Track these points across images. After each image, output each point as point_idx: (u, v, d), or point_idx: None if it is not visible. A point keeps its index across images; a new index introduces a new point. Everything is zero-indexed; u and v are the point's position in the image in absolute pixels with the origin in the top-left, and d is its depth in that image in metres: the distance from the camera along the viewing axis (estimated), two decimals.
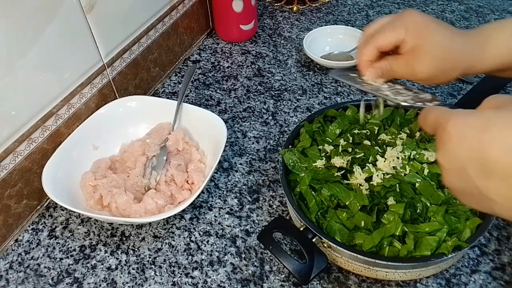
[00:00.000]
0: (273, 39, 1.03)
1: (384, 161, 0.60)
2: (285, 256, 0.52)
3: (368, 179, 0.59)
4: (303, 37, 0.95)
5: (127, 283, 0.59)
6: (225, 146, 0.70)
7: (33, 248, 0.64)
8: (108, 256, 0.62)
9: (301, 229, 0.55)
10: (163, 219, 0.62)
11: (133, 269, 0.61)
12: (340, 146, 0.63)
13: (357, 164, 0.60)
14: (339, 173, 0.59)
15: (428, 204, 0.56)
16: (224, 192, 0.70)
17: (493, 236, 0.61)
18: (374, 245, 0.52)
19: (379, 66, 0.52)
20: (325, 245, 0.55)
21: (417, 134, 0.63)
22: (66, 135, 0.69)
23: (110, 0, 0.72)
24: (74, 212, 0.66)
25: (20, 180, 0.64)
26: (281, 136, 0.79)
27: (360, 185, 0.58)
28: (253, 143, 0.78)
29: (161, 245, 0.63)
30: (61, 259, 0.62)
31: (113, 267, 0.61)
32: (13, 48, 0.58)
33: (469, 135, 0.35)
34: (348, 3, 1.14)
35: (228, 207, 0.68)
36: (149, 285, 0.59)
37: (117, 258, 0.62)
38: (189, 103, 0.75)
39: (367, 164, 0.60)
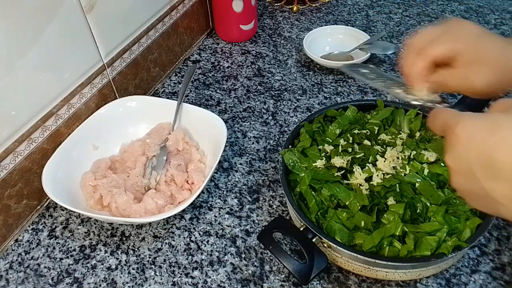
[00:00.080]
0: (273, 39, 1.03)
1: (384, 161, 0.60)
2: (285, 256, 0.52)
3: (368, 179, 0.59)
4: (303, 37, 0.95)
5: (127, 283, 0.59)
6: (225, 146, 0.70)
7: (33, 248, 0.64)
8: (108, 256, 0.62)
9: (301, 229, 0.55)
10: (163, 219, 0.62)
11: (133, 269, 0.61)
12: (340, 146, 0.63)
13: (357, 164, 0.60)
14: (339, 173, 0.59)
15: (428, 204, 0.56)
16: (224, 192, 0.70)
17: (493, 236, 0.61)
18: (374, 245, 0.52)
19: (433, 80, 0.49)
20: (325, 245, 0.55)
21: (417, 134, 0.63)
22: (66, 135, 0.69)
23: (110, 0, 0.72)
24: (74, 212, 0.66)
25: (20, 180, 0.64)
26: (281, 136, 0.79)
27: (360, 185, 0.58)
28: (253, 143, 0.78)
29: (161, 245, 0.63)
30: (61, 259, 0.62)
31: (113, 267, 0.61)
32: (13, 48, 0.58)
33: (478, 138, 0.36)
34: (348, 3, 1.14)
35: (228, 207, 0.68)
36: (149, 285, 0.59)
37: (117, 258, 0.62)
38: (189, 103, 0.75)
39: (367, 164, 0.60)
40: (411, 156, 0.60)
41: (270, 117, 0.83)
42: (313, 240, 0.54)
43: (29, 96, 0.62)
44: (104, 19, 0.72)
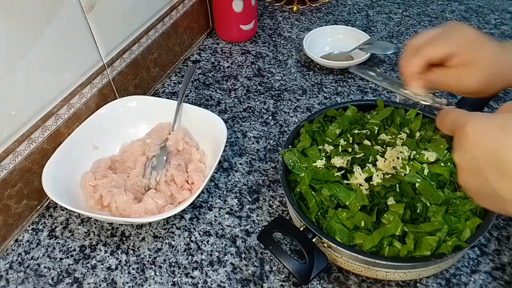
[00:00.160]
0: (273, 39, 1.03)
1: (384, 161, 0.60)
2: (285, 256, 0.52)
3: (368, 179, 0.59)
4: (303, 37, 0.95)
5: (127, 283, 0.59)
6: (225, 146, 0.70)
7: (33, 248, 0.64)
8: (108, 256, 0.62)
9: (301, 229, 0.55)
10: (163, 219, 0.62)
11: (133, 269, 0.61)
12: (340, 146, 0.63)
13: (357, 164, 0.60)
14: (339, 173, 0.59)
15: (428, 204, 0.56)
16: (224, 192, 0.70)
17: (493, 236, 0.61)
18: (374, 245, 0.52)
19: (427, 78, 0.51)
20: (325, 245, 0.55)
21: (417, 134, 0.63)
22: (66, 135, 0.69)
23: (110, 0, 0.72)
24: (74, 212, 0.66)
25: (20, 180, 0.64)
26: (281, 136, 0.79)
27: (360, 185, 0.58)
28: (253, 143, 0.78)
29: (161, 245, 0.63)
30: (61, 259, 0.62)
31: (113, 267, 0.61)
32: (13, 48, 0.58)
33: (486, 137, 0.37)
34: (348, 3, 1.14)
35: (228, 207, 0.68)
36: (149, 285, 0.59)
37: (117, 258, 0.62)
38: (189, 103, 0.75)
39: (367, 164, 0.60)
40: (411, 156, 0.60)
41: (270, 117, 0.83)
42: (313, 240, 0.54)
43: (29, 96, 0.62)
44: (104, 19, 0.72)
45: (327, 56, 0.94)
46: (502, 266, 0.58)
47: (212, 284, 0.58)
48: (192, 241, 0.64)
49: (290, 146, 0.64)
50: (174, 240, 0.64)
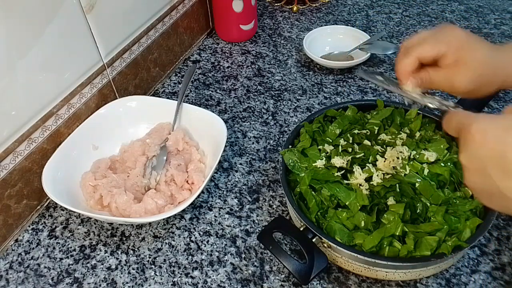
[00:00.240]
0: (273, 39, 1.03)
1: (384, 161, 0.60)
2: (285, 256, 0.52)
3: (368, 179, 0.59)
4: (303, 37, 0.95)
5: (127, 283, 0.59)
6: (225, 146, 0.70)
7: (33, 248, 0.64)
8: (108, 256, 0.62)
9: (301, 229, 0.55)
10: (163, 219, 0.62)
11: (133, 269, 0.61)
12: (340, 146, 0.63)
13: (357, 164, 0.60)
14: (339, 173, 0.59)
15: (428, 204, 0.56)
16: (224, 192, 0.70)
17: (493, 236, 0.61)
18: (374, 245, 0.52)
19: (419, 76, 0.53)
20: (325, 245, 0.55)
21: (417, 134, 0.63)
22: (66, 135, 0.69)
23: (110, 0, 0.72)
24: (74, 212, 0.66)
25: (20, 180, 0.64)
26: (281, 136, 0.79)
27: (360, 185, 0.58)
28: (253, 143, 0.78)
29: (161, 245, 0.63)
30: (61, 259, 0.62)
31: (113, 267, 0.61)
32: (13, 48, 0.58)
33: (491, 137, 0.38)
34: (348, 3, 1.14)
35: (228, 207, 0.68)
36: (149, 285, 0.59)
37: (117, 258, 0.62)
38: (189, 103, 0.75)
39: (367, 164, 0.60)
40: (411, 156, 0.60)
41: (270, 117, 0.83)
42: (313, 240, 0.54)
43: (29, 96, 0.62)
44: (104, 19, 0.72)
45: (327, 56, 0.94)
46: (502, 266, 0.58)
47: (212, 284, 0.58)
48: (192, 241, 0.64)
49: (290, 146, 0.64)
50: (174, 240, 0.64)
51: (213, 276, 0.59)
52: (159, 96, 0.89)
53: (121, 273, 0.60)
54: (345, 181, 0.59)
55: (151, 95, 0.89)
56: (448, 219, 0.54)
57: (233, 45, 1.02)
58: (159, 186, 0.67)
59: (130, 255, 0.62)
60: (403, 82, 0.54)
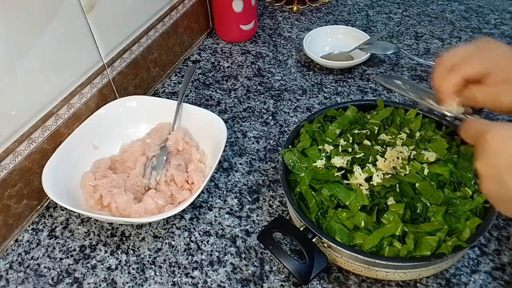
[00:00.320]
0: (273, 39, 1.03)
1: (384, 161, 0.60)
2: (285, 256, 0.52)
3: (368, 179, 0.59)
4: (303, 37, 0.95)
5: (127, 283, 0.59)
6: (225, 146, 0.70)
7: (33, 248, 0.64)
8: (108, 256, 0.62)
9: (301, 229, 0.55)
10: (163, 219, 0.62)
11: (133, 269, 0.61)
12: (340, 146, 0.63)
13: (357, 164, 0.60)
14: (339, 173, 0.59)
15: (428, 204, 0.56)
16: (224, 192, 0.70)
17: (493, 236, 0.61)
18: (374, 245, 0.52)
19: (464, 95, 0.52)
20: (325, 245, 0.55)
21: (417, 134, 0.63)
22: (66, 135, 0.69)
23: (110, 0, 0.72)
24: (74, 212, 0.66)
25: (20, 180, 0.64)
26: (281, 136, 0.79)
27: (360, 185, 0.58)
28: (253, 143, 0.78)
29: (161, 245, 0.63)
30: (61, 259, 0.62)
31: (113, 267, 0.61)
32: (13, 48, 0.58)
33: (506, 144, 0.39)
34: (348, 3, 1.14)
35: (228, 207, 0.68)
36: (149, 285, 0.59)
37: (117, 258, 0.62)
38: (189, 103, 0.75)
39: (367, 164, 0.60)
40: (411, 156, 0.60)
41: (270, 117, 0.83)
42: (313, 240, 0.54)
43: (29, 96, 0.62)
44: (104, 19, 0.72)
45: (327, 56, 0.94)
46: (502, 266, 0.58)
47: (212, 284, 0.58)
48: (192, 241, 0.64)
49: (290, 146, 0.64)
50: (174, 240, 0.64)
51: (213, 276, 0.59)
52: (159, 96, 0.89)
53: (121, 273, 0.60)
54: (345, 181, 0.59)
55: (151, 95, 0.89)
56: (448, 219, 0.54)
57: (233, 45, 1.02)
58: (159, 186, 0.67)
59: (130, 255, 0.62)
60: (447, 102, 0.52)
